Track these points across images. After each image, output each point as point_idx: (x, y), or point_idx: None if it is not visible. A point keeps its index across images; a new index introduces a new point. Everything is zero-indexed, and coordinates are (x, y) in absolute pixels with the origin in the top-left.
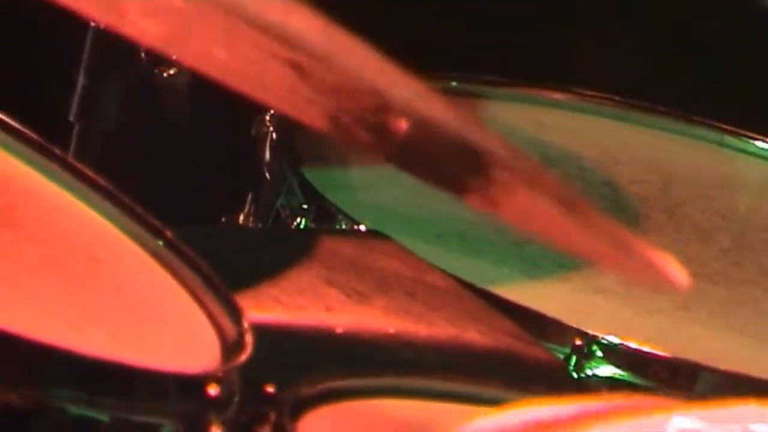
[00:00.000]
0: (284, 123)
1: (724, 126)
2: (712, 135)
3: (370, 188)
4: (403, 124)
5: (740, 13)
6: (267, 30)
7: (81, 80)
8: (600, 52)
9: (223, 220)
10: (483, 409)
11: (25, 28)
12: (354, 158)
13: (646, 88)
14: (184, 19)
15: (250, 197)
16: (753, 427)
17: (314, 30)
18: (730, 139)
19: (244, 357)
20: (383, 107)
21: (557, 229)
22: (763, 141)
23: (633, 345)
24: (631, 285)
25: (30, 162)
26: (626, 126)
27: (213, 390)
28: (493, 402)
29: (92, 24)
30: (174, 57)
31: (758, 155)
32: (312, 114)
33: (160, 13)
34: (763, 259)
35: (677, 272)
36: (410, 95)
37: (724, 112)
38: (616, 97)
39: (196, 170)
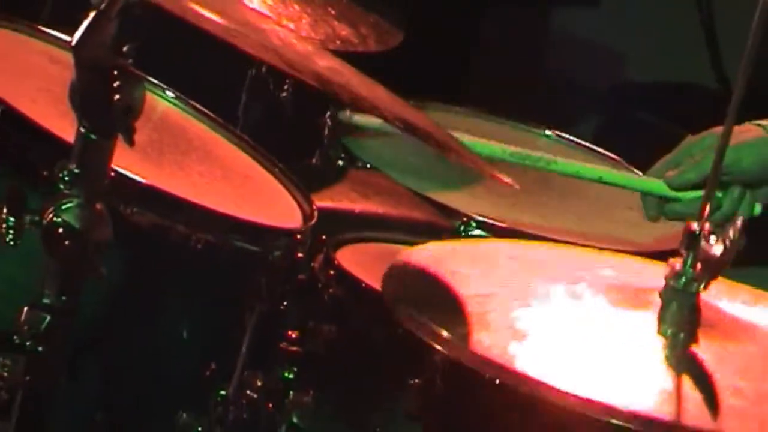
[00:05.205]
0: (334, 119)
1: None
2: (521, 125)
3: (373, 148)
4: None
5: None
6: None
7: (243, 97)
8: (484, 81)
9: (305, 161)
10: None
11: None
12: (365, 135)
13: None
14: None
15: (318, 151)
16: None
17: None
18: (529, 128)
19: (312, 222)
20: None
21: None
22: (549, 129)
23: (489, 221)
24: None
25: (221, 134)
26: (487, 122)
27: (299, 236)
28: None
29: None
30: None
31: (545, 136)
32: None
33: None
34: (546, 178)
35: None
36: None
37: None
38: (485, 109)
39: (294, 137)
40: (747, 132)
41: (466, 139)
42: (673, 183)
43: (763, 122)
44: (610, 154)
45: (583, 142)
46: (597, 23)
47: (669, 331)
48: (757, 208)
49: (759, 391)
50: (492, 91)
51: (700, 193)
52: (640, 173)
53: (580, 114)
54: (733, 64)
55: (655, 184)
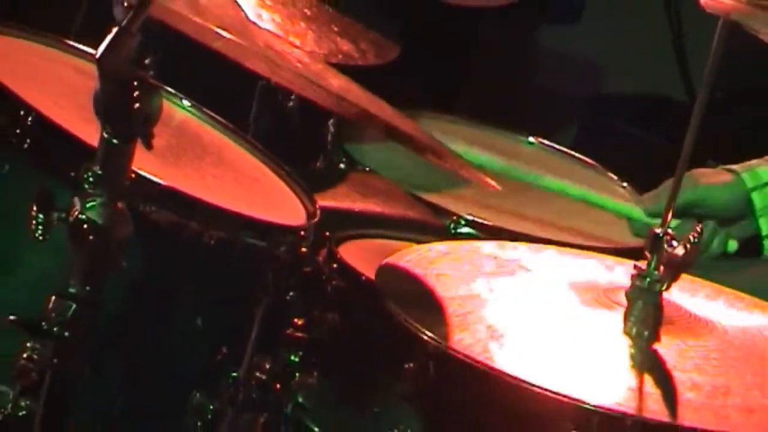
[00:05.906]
0: (336, 127)
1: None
2: (505, 132)
3: (370, 153)
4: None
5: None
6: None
7: (253, 107)
8: (474, 91)
9: (309, 165)
10: (412, 244)
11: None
12: (364, 141)
13: (492, 111)
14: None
15: (321, 156)
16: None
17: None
18: (513, 135)
19: (315, 220)
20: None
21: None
22: (532, 136)
23: (471, 218)
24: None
25: (233, 139)
26: (474, 128)
27: (303, 233)
28: (416, 242)
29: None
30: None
31: (528, 143)
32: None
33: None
34: None
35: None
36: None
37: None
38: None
39: (299, 143)
40: (720, 175)
41: (460, 149)
42: (650, 210)
43: (735, 167)
44: (588, 160)
45: (563, 149)
46: (578, 38)
47: (634, 330)
48: (732, 245)
49: (715, 384)
50: (481, 100)
51: (677, 222)
52: (622, 182)
53: (561, 122)
54: (699, 76)
55: (633, 210)
